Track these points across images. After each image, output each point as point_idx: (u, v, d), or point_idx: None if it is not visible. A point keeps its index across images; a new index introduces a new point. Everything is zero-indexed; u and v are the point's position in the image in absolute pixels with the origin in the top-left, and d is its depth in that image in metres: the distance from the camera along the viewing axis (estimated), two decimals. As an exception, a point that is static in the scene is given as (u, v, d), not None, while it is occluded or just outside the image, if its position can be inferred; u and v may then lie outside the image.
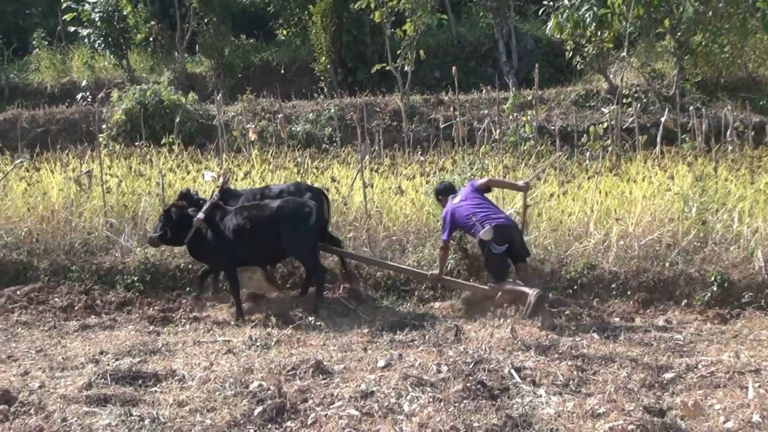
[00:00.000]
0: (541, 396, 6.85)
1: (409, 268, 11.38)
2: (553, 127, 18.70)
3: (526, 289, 9.72)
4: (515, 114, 19.05)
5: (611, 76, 21.52)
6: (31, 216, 13.55)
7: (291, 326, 9.91)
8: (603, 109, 20.35)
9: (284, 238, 10.72)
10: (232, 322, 10.36)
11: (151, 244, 11.68)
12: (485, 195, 10.59)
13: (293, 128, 20.56)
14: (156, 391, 7.43)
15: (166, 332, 10.03)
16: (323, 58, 25.84)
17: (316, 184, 12.72)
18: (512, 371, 7.42)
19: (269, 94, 22.94)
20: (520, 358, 8.01)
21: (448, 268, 11.21)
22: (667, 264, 10.91)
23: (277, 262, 11.94)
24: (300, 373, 7.67)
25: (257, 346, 8.90)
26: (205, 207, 11.09)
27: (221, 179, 12.46)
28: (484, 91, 20.23)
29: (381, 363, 7.92)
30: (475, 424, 6.12)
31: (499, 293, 10.24)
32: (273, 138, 18.43)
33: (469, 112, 19.99)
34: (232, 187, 12.48)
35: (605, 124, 17.32)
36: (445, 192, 10.94)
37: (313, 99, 23.03)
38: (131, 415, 6.66)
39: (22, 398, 7.18)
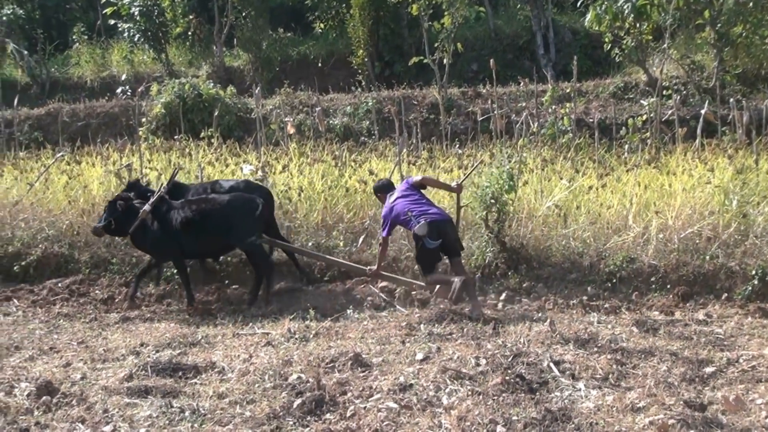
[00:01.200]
0: (580, 390, 6.82)
1: (350, 263, 11.67)
2: (591, 120, 18.57)
3: (452, 278, 10.01)
4: (553, 107, 18.94)
5: (650, 68, 21.33)
6: (72, 209, 13.70)
7: (329, 319, 9.96)
8: (642, 101, 20.17)
9: (233, 231, 10.96)
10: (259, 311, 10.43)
11: (94, 234, 11.90)
12: (421, 192, 10.69)
13: (331, 121, 20.58)
14: (196, 383, 7.48)
15: (205, 324, 10.10)
16: (361, 51, 25.81)
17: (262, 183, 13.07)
18: (551, 365, 7.39)
19: (307, 87, 22.98)
20: (558, 351, 7.96)
21: (486, 261, 11.21)
22: (707, 257, 10.83)
23: (220, 255, 12.23)
24: (339, 366, 7.68)
25: (296, 338, 8.93)
26: (152, 200, 11.29)
27: (172, 172, 12.61)
28: (521, 84, 20.14)
29: (419, 356, 7.92)
30: (514, 418, 6.11)
31: (437, 288, 10.49)
32: (311, 131, 18.48)
33: (507, 105, 19.89)
34: (181, 180, 12.86)
35: (644, 117, 17.21)
36: (383, 189, 11.15)
37: (351, 92, 23.00)
38: (172, 406, 6.72)
39: (64, 389, 7.26)
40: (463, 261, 11.05)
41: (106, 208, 11.64)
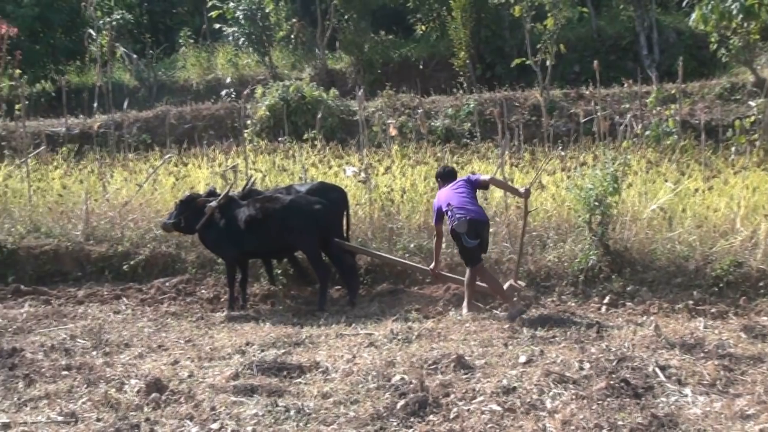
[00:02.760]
0: (687, 396, 6.74)
1: (412, 264, 11.78)
2: (696, 121, 18.25)
3: (465, 305, 10.34)
4: (658, 108, 18.65)
5: (758, 68, 20.87)
6: (180, 209, 13.97)
7: (431, 320, 9.98)
8: (750, 102, 19.71)
9: (292, 233, 11.12)
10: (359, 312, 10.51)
11: (163, 230, 12.25)
12: (473, 189, 10.71)
13: (433, 123, 20.60)
14: (300, 383, 7.57)
15: (309, 324, 10.21)
16: (462, 53, 25.76)
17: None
18: (657, 369, 7.31)
19: (408, 89, 23.04)
20: (664, 356, 7.87)
21: (589, 264, 11.10)
22: (818, 262, 10.57)
23: (283, 256, 12.34)
24: (441, 368, 7.68)
25: (398, 339, 8.96)
26: (219, 198, 11.55)
27: (247, 179, 12.91)
28: (625, 85, 19.89)
29: (522, 359, 7.89)
30: (620, 423, 6.06)
31: (506, 285, 10.61)
32: (413, 133, 18.53)
33: (610, 107, 19.67)
34: (257, 187, 13.07)
35: (752, 118, 16.85)
36: (443, 177, 11.19)
37: (452, 94, 22.98)
38: (277, 405, 6.81)
39: (172, 387, 7.41)
40: (560, 262, 11.21)
41: (176, 205, 11.96)
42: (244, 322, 10.61)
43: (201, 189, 14.12)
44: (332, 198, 11.95)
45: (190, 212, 11.69)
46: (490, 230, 12.01)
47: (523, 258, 11.37)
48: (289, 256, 12.32)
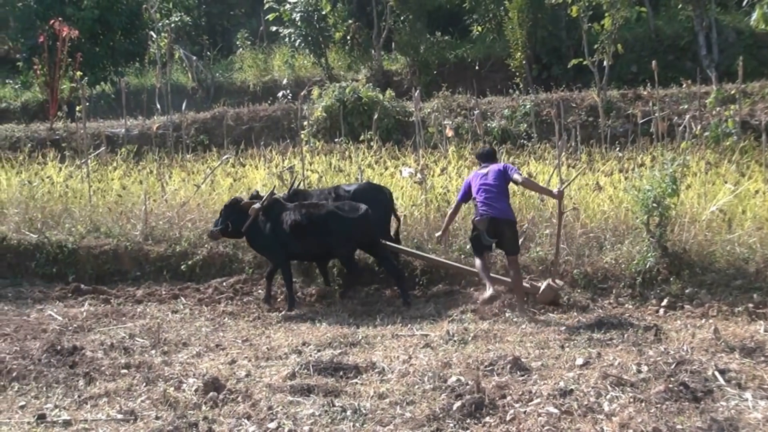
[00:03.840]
0: (747, 400, 6.66)
1: (455, 264, 11.89)
2: (756, 122, 17.99)
3: (488, 286, 10.31)
4: (717, 109, 18.42)
5: (821, 67, 20.57)
6: (237, 210, 14.07)
7: (487, 322, 9.96)
8: (811, 102, 19.46)
9: (332, 237, 11.36)
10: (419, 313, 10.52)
11: (211, 237, 12.38)
12: (505, 182, 10.69)
13: (489, 124, 20.52)
14: (357, 383, 7.62)
15: (365, 325, 10.24)
16: (518, 53, 25.64)
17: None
18: (716, 373, 7.24)
19: (464, 90, 22.98)
20: (723, 359, 7.80)
21: (647, 266, 10.99)
22: None
23: (328, 260, 12.43)
24: (497, 369, 7.68)
25: (454, 340, 8.98)
26: (263, 199, 11.69)
27: (291, 181, 13.09)
28: (683, 86, 19.65)
29: (579, 361, 7.87)
30: (678, 427, 6.01)
31: (544, 285, 10.76)
32: (469, 134, 18.50)
33: (669, 107, 19.46)
34: (302, 186, 13.41)
35: (814, 118, 16.58)
36: (482, 157, 11.31)
37: (508, 95, 22.87)
38: (334, 405, 6.86)
39: (230, 386, 7.50)
40: (617, 264, 11.11)
41: (221, 212, 12.13)
42: (300, 322, 10.68)
43: (259, 190, 14.22)
44: (378, 199, 12.16)
45: (235, 216, 11.84)
46: (546, 231, 12.03)
47: (560, 257, 11.47)
48: (332, 258, 12.44)
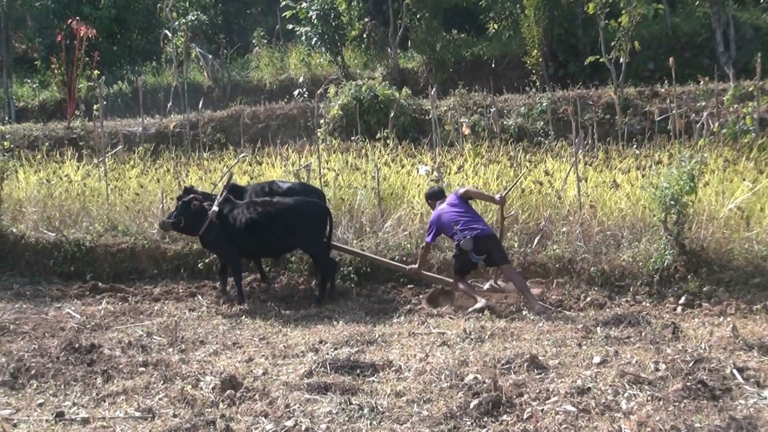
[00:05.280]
0: (766, 398, 6.61)
1: (392, 263, 12.23)
2: (775, 119, 17.95)
3: (477, 298, 10.72)
4: (735, 106, 18.35)
5: (839, 64, 20.43)
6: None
7: (504, 320, 9.95)
8: (830, 99, 19.34)
9: (299, 234, 11.63)
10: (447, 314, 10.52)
11: (161, 228, 12.57)
12: (468, 203, 11.37)
13: (505, 122, 20.49)
14: (374, 381, 7.61)
15: (381, 323, 10.24)
16: (535, 51, 25.60)
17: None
18: (734, 371, 7.19)
19: (480, 88, 22.94)
20: (742, 358, 7.75)
21: (664, 264, 10.96)
22: None
23: (279, 256, 12.72)
24: (515, 367, 7.66)
25: (471, 338, 8.96)
26: (217, 200, 11.84)
27: (228, 176, 13.04)
28: (701, 83, 19.59)
29: (596, 359, 7.83)
30: (697, 425, 5.98)
31: (458, 293, 11.17)
32: (485, 132, 18.49)
33: (686, 105, 19.39)
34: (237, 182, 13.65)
35: (833, 115, 16.53)
36: (434, 197, 11.84)
37: (525, 92, 22.85)
38: (351, 403, 6.85)
39: (247, 384, 7.51)
40: (635, 262, 11.11)
41: (178, 206, 12.13)
42: (317, 320, 10.68)
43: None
44: (318, 198, 12.55)
45: (190, 214, 11.93)
46: (563, 229, 12.03)
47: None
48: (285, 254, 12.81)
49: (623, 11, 19.94)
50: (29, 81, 32.82)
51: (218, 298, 12.08)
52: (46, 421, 6.80)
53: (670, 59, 16.50)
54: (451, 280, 11.39)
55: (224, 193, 12.04)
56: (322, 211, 11.91)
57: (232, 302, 11.79)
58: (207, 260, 13.14)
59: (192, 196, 12.13)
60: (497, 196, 11.42)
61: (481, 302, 10.53)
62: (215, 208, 11.78)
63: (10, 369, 8.15)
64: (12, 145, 15.68)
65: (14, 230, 13.98)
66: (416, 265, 11.64)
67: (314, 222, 11.74)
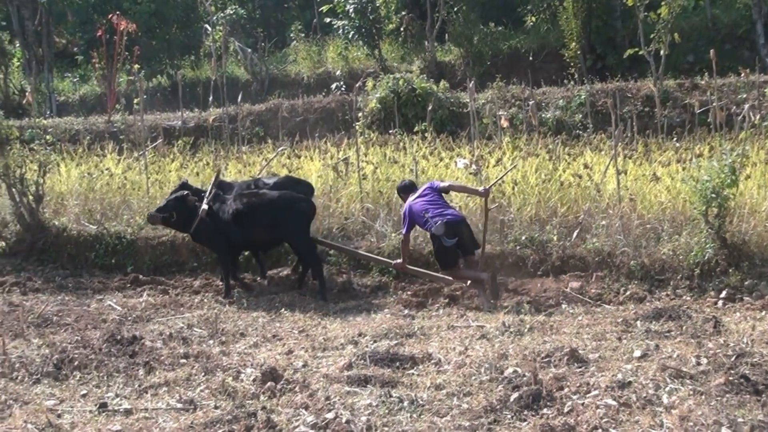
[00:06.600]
0: (809, 393, 6.55)
1: (376, 257, 12.42)
2: (817, 111, 17.75)
3: (481, 274, 11.02)
4: (776, 98, 18.19)
5: None
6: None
7: (543, 313, 9.94)
8: None
9: (283, 227, 11.78)
10: (483, 309, 10.52)
11: (150, 220, 12.65)
12: (441, 195, 11.55)
13: (543, 115, 20.39)
14: (413, 374, 7.61)
15: (420, 316, 10.26)
16: (573, 44, 25.47)
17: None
18: (777, 366, 7.14)
19: (518, 81, 22.86)
20: (785, 352, 7.69)
21: (705, 257, 10.88)
22: None
23: (268, 249, 12.88)
24: (554, 361, 7.63)
25: (510, 332, 8.94)
26: (206, 198, 12.00)
27: (216, 172, 13.16)
28: (742, 75, 19.41)
29: (637, 353, 7.78)
30: (740, 420, 5.92)
31: (467, 280, 11.29)
32: (523, 125, 18.44)
33: (727, 97, 19.23)
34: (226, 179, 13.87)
35: None
36: (405, 190, 12.02)
37: (563, 85, 22.75)
38: (391, 396, 6.84)
39: (287, 376, 7.54)
40: (675, 255, 11.04)
41: (169, 200, 12.28)
42: (356, 313, 10.72)
43: (313, 181, 14.27)
44: (300, 191, 12.53)
45: (181, 210, 12.11)
46: (602, 222, 11.98)
47: (483, 254, 11.68)
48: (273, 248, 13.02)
49: (663, 3, 19.80)
50: (70, 75, 33.17)
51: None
52: (90, 411, 6.87)
53: (711, 51, 16.34)
54: (438, 274, 11.60)
55: (213, 191, 12.23)
56: (307, 205, 12.11)
57: (270, 295, 11.88)
58: (246, 253, 13.20)
59: (186, 192, 12.31)
60: (481, 189, 11.58)
61: (484, 275, 10.98)
62: (205, 206, 11.96)
63: (53, 360, 8.21)
64: (54, 139, 15.73)
65: (56, 223, 14.08)
66: (401, 260, 11.70)
67: (297, 215, 11.89)
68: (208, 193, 12.21)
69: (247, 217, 11.79)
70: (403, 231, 11.41)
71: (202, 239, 12.38)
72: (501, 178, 12.59)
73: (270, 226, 11.81)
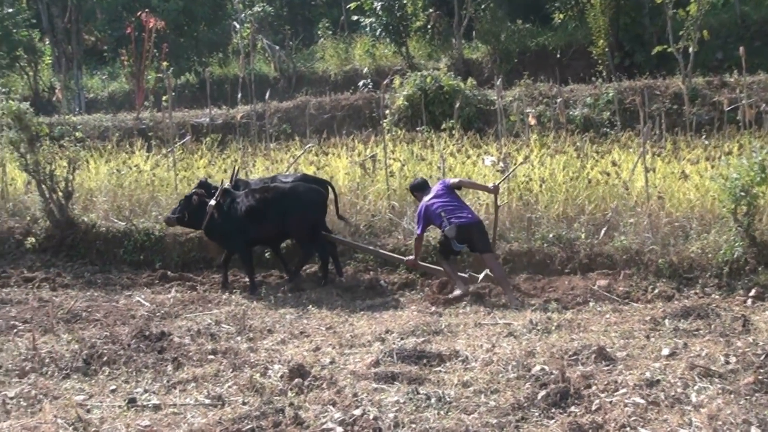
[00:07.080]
0: (839, 393, 6.51)
1: (388, 253, 12.50)
2: None
3: (459, 284, 11.08)
4: (807, 96, 18.07)
5: None
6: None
7: (570, 311, 9.92)
8: None
9: (288, 219, 11.90)
10: (509, 304, 10.50)
11: (167, 224, 12.96)
12: (455, 192, 11.61)
13: (571, 112, 20.34)
14: (440, 371, 7.62)
15: (447, 313, 10.26)
16: (601, 41, 25.38)
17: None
18: (807, 365, 7.09)
19: (545, 78, 22.81)
20: (815, 351, 7.64)
21: (734, 256, 10.81)
22: None
23: (282, 242, 12.94)
24: (582, 359, 7.61)
25: (538, 329, 8.92)
26: (216, 194, 12.21)
27: (233, 170, 13.51)
28: (772, 72, 19.33)
29: (665, 351, 7.75)
30: (769, 419, 5.91)
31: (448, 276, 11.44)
32: (551, 122, 18.39)
33: (756, 94, 19.09)
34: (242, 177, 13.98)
35: None
36: (419, 189, 11.98)
37: (591, 83, 22.67)
38: (418, 393, 6.84)
39: (314, 372, 7.56)
40: (703, 253, 11.02)
41: (181, 201, 12.60)
42: (383, 310, 10.74)
43: (341, 178, 14.30)
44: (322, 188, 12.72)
45: (192, 209, 12.36)
46: (630, 220, 11.94)
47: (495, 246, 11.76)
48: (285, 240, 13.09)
49: (692, 0, 19.69)
50: (98, 72, 33.39)
51: (221, 287, 12.39)
52: (119, 407, 6.91)
53: (740, 48, 16.24)
54: (451, 271, 11.54)
55: (222, 187, 12.38)
56: (318, 196, 12.29)
57: (299, 290, 11.96)
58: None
59: (193, 191, 12.54)
60: (491, 185, 11.62)
61: (459, 290, 10.98)
62: (212, 202, 12.14)
63: (83, 355, 8.26)
64: (83, 136, 15.84)
65: (85, 219, 14.16)
66: (413, 257, 11.75)
67: (305, 206, 12.03)
68: (218, 190, 12.36)
69: (256, 211, 11.96)
70: (418, 231, 11.49)
71: (215, 236, 12.54)
72: (510, 173, 12.61)
73: (278, 219, 11.96)
